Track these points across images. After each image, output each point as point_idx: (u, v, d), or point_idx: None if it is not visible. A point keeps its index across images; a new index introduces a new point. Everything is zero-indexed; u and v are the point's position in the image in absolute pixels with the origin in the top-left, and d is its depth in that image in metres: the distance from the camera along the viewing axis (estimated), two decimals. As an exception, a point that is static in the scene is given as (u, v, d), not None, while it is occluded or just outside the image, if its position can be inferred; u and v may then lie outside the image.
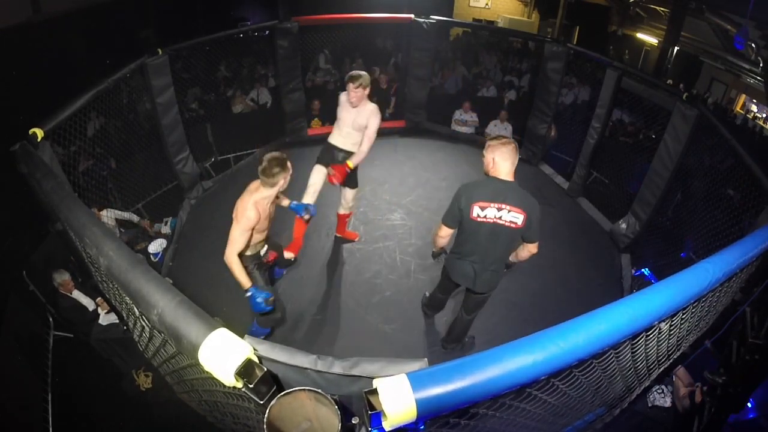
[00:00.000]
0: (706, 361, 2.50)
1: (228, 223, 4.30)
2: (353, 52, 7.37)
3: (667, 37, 8.21)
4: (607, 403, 1.94)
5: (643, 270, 3.94)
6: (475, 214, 2.36)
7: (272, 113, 6.05)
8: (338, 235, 4.07)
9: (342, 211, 3.89)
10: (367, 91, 3.21)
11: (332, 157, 3.50)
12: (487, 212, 2.35)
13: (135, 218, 4.20)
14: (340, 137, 3.46)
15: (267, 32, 5.31)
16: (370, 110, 3.25)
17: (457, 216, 2.46)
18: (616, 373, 1.52)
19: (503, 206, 2.32)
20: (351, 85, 3.14)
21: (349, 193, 3.73)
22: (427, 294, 3.41)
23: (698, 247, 3.62)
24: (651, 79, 4.99)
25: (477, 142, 6.00)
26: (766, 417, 2.66)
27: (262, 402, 0.97)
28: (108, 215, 3.89)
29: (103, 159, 4.34)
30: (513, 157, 2.40)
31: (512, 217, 2.32)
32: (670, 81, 8.12)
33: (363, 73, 3.22)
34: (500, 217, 2.34)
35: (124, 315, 2.36)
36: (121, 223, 4.06)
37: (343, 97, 3.33)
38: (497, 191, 2.35)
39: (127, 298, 1.49)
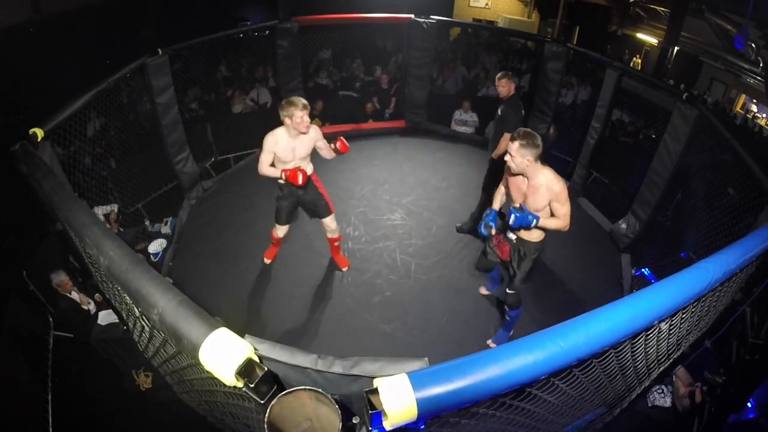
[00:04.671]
0: (706, 361, 2.50)
1: (229, 221, 4.33)
2: (353, 52, 7.36)
3: (667, 37, 8.20)
4: (607, 402, 1.94)
5: (643, 270, 3.94)
6: None
7: (272, 113, 6.04)
8: (332, 256, 3.88)
9: (328, 236, 3.66)
10: None
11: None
12: None
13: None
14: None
15: (267, 32, 5.31)
16: (312, 129, 3.15)
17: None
18: (616, 372, 1.52)
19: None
20: (303, 113, 2.95)
21: (327, 221, 3.50)
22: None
23: (698, 247, 3.61)
24: (651, 79, 4.99)
25: (477, 142, 6.00)
26: (766, 417, 2.66)
27: (262, 401, 0.98)
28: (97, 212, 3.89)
29: (103, 159, 4.34)
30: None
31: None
32: (671, 81, 8.13)
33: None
34: None
35: (124, 315, 2.36)
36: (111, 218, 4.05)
37: (285, 135, 3.06)
38: None
39: (128, 297, 1.49)
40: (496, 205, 2.88)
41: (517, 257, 2.80)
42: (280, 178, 3.09)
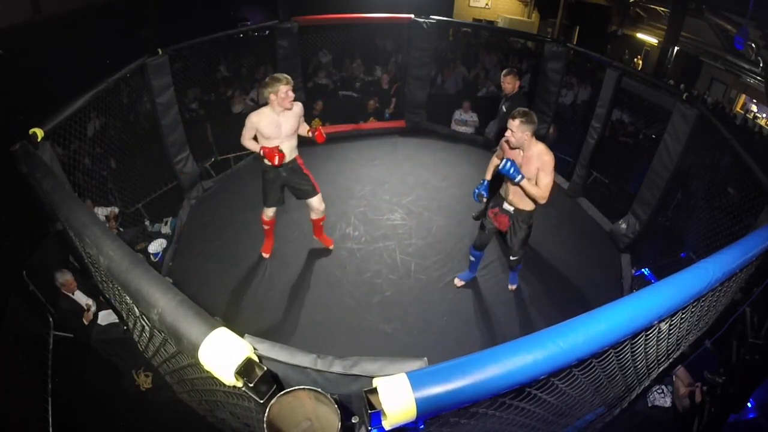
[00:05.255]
0: (706, 361, 2.50)
1: (229, 221, 4.33)
2: (353, 52, 7.36)
3: (667, 37, 8.21)
4: (607, 402, 1.94)
5: (643, 270, 3.94)
6: None
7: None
8: (315, 237, 3.98)
9: (312, 216, 3.75)
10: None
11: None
12: None
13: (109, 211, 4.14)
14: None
15: (267, 32, 5.31)
16: (296, 105, 3.21)
17: None
18: (615, 372, 1.52)
19: None
20: (288, 87, 3.03)
21: (314, 201, 3.58)
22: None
23: (698, 247, 3.61)
24: (651, 79, 4.99)
25: (477, 142, 6.00)
26: (766, 417, 2.66)
27: (262, 401, 0.98)
28: (98, 212, 3.90)
29: (103, 159, 4.34)
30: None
31: None
32: (671, 81, 8.13)
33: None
34: None
35: (124, 315, 2.36)
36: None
37: (270, 112, 3.12)
38: None
39: (127, 297, 1.49)
40: (488, 175, 3.28)
41: (515, 226, 3.15)
42: (259, 153, 3.16)
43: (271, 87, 3.02)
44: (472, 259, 3.64)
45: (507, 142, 2.88)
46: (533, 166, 2.82)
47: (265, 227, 3.79)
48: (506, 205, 3.11)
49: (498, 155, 3.18)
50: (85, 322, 3.37)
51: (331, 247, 3.99)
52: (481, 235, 3.42)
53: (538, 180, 2.83)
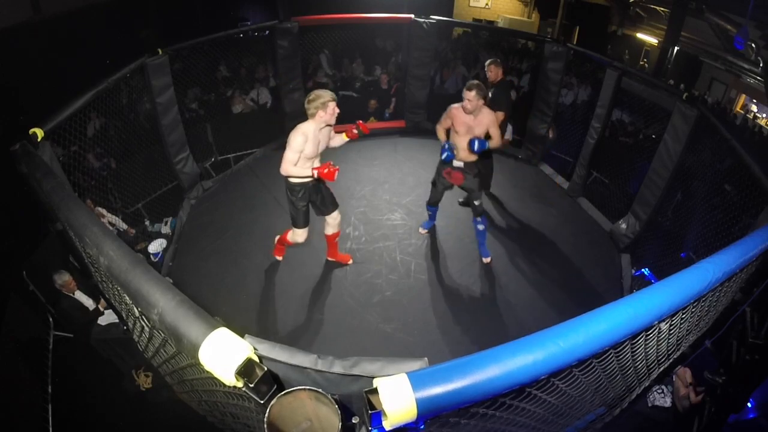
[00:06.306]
0: (706, 361, 2.50)
1: (229, 221, 4.33)
2: (353, 52, 7.36)
3: (667, 37, 8.20)
4: (607, 402, 1.94)
5: (643, 270, 3.94)
6: None
7: (272, 113, 6.05)
8: (329, 258, 3.85)
9: (330, 231, 3.61)
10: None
11: None
12: None
13: (122, 225, 4.18)
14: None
15: (267, 32, 5.31)
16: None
17: None
18: (616, 372, 1.52)
19: None
20: (335, 103, 2.96)
21: (333, 215, 3.48)
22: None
23: (698, 247, 3.62)
24: (651, 79, 4.98)
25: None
26: (766, 417, 2.66)
27: (262, 401, 0.98)
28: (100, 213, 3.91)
29: (103, 159, 4.34)
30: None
31: None
32: (671, 81, 8.13)
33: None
34: None
35: (124, 315, 2.36)
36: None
37: (313, 130, 2.97)
38: None
39: (127, 297, 1.49)
40: (444, 137, 3.63)
41: (468, 176, 3.63)
42: (312, 176, 2.99)
43: (320, 100, 2.87)
44: (429, 212, 4.15)
45: (464, 108, 3.37)
46: (483, 126, 3.40)
47: (289, 245, 3.64)
48: (456, 163, 3.59)
49: (444, 124, 3.56)
50: (101, 308, 3.37)
51: (349, 262, 3.85)
52: (434, 193, 3.91)
53: (491, 134, 3.42)
